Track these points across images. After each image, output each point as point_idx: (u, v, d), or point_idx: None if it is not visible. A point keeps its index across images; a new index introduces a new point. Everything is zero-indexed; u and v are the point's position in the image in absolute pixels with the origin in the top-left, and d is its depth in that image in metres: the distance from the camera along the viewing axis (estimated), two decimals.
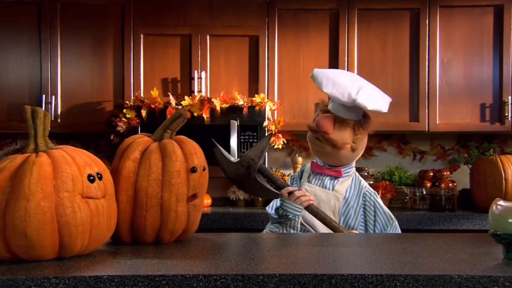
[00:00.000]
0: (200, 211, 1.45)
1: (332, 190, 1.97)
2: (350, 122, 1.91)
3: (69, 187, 1.13)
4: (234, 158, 1.87)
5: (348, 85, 1.86)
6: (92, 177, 1.18)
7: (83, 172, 1.17)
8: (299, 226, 1.91)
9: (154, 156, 1.34)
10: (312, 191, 1.99)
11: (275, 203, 2.01)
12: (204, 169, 1.42)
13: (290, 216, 1.88)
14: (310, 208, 1.87)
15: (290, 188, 1.88)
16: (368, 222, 1.96)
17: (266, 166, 3.36)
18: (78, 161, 1.18)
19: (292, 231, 1.90)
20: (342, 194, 1.96)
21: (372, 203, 1.97)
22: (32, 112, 1.20)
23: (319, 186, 2.00)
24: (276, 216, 1.94)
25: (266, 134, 3.37)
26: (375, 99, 1.87)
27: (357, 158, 2.04)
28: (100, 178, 1.21)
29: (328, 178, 1.99)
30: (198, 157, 1.40)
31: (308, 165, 2.10)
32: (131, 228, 1.35)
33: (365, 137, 2.00)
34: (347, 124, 1.91)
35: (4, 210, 1.09)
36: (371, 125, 1.98)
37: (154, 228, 1.35)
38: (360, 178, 2.04)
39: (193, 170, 1.37)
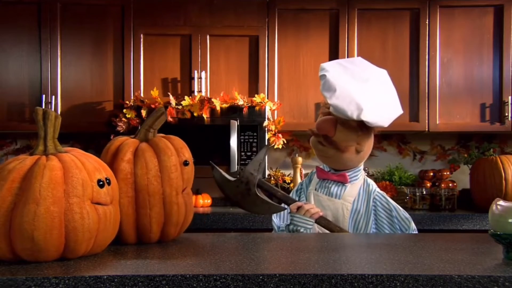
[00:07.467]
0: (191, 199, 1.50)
1: (340, 198, 1.88)
2: (353, 122, 1.81)
3: (79, 193, 1.12)
4: (231, 177, 1.82)
5: (354, 97, 1.76)
6: (101, 182, 1.17)
7: (93, 177, 1.16)
8: None
9: (148, 154, 1.35)
10: (319, 200, 1.92)
11: (283, 214, 1.98)
12: (193, 162, 1.48)
13: (301, 231, 1.81)
14: (319, 221, 1.82)
15: (299, 203, 1.83)
16: (380, 227, 1.86)
17: (266, 166, 3.37)
18: (88, 166, 1.17)
19: None
20: (350, 202, 1.87)
21: (386, 208, 1.86)
22: (43, 114, 1.19)
23: (326, 194, 1.91)
24: (285, 232, 1.87)
25: (266, 134, 3.37)
26: (379, 115, 1.79)
27: (363, 161, 1.94)
28: (109, 183, 1.20)
29: (334, 185, 1.91)
30: (187, 150, 1.44)
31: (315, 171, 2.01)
32: (136, 229, 1.35)
33: (371, 138, 1.90)
34: (349, 125, 1.82)
35: (12, 212, 1.08)
36: None
37: (160, 225, 1.36)
38: (369, 181, 1.94)
39: (186, 163, 1.41)
